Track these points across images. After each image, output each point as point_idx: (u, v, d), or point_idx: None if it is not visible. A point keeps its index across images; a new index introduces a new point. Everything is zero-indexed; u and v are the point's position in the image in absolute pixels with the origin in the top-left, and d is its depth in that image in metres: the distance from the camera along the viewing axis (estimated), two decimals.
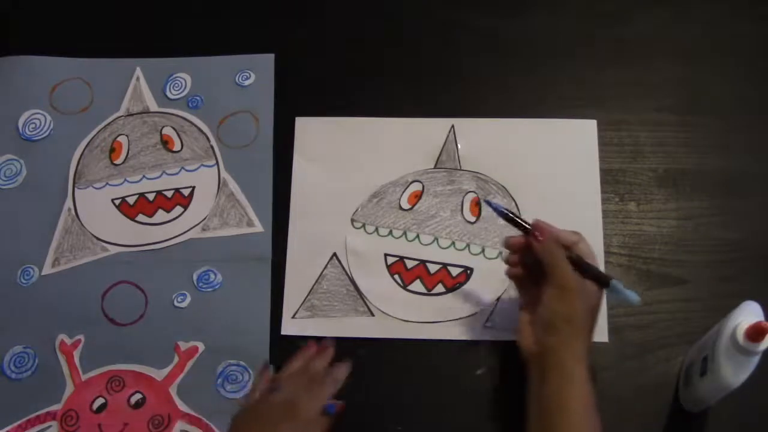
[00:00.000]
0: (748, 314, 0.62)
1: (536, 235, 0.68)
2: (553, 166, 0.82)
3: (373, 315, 0.78)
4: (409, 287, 0.79)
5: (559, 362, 0.65)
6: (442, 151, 0.84)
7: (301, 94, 0.87)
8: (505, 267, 0.73)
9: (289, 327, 0.78)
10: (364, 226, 0.82)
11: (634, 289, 0.65)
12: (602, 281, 0.66)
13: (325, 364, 0.74)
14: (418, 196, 0.82)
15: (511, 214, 0.70)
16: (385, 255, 0.81)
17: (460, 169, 0.83)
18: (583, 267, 0.67)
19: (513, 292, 0.77)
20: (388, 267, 0.80)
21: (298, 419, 0.69)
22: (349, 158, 0.84)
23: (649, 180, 0.82)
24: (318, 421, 0.70)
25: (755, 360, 0.61)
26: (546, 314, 0.66)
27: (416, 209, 0.82)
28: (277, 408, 0.69)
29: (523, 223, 0.69)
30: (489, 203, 0.72)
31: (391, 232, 0.81)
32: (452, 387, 0.75)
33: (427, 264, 0.80)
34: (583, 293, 0.66)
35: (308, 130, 0.85)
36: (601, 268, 0.77)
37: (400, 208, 0.82)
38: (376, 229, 0.81)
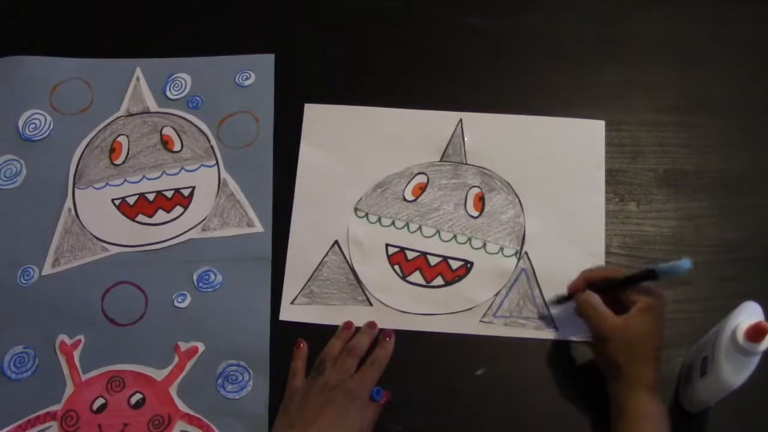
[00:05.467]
0: (748, 314, 0.62)
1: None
2: (558, 165, 0.82)
3: (371, 305, 0.79)
4: (409, 278, 0.79)
5: (615, 393, 0.69)
6: (448, 144, 0.84)
7: (303, 93, 0.87)
8: (505, 262, 0.77)
9: (288, 313, 0.78)
10: (367, 215, 0.82)
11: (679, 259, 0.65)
12: (649, 277, 0.68)
13: (368, 344, 0.75)
14: (422, 188, 0.83)
15: (559, 298, 0.76)
16: (387, 245, 0.81)
17: (466, 164, 0.83)
18: (621, 283, 0.70)
19: (511, 289, 0.78)
20: (389, 257, 0.80)
21: (355, 400, 0.70)
22: (356, 147, 0.84)
23: (649, 180, 0.82)
24: (371, 405, 0.71)
25: (755, 360, 0.61)
26: (600, 362, 0.71)
27: (420, 201, 0.82)
28: (330, 391, 0.70)
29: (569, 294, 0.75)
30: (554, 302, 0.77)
31: (393, 223, 0.81)
32: (451, 387, 0.75)
33: (428, 256, 0.80)
34: (629, 331, 0.68)
35: (316, 117, 0.86)
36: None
37: (404, 199, 0.82)
38: (379, 219, 0.82)
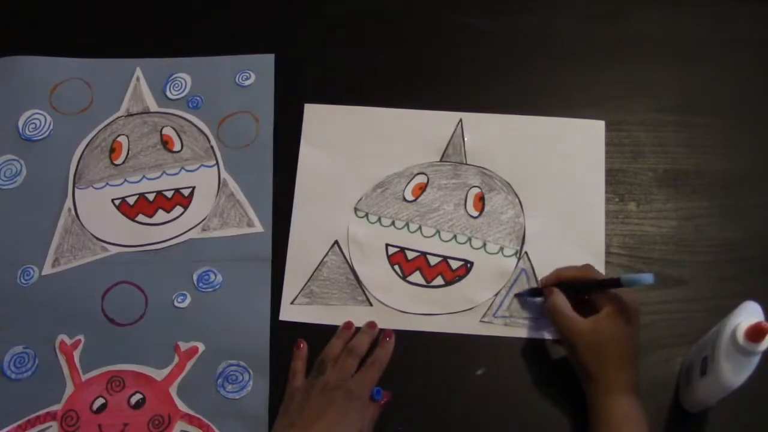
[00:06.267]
0: (748, 314, 0.62)
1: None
2: (558, 165, 0.82)
3: (371, 305, 0.79)
4: (409, 278, 0.79)
5: (590, 398, 0.68)
6: (448, 144, 0.84)
7: (303, 93, 0.87)
8: (505, 262, 0.77)
9: (288, 313, 0.78)
10: (366, 215, 0.82)
11: (643, 273, 0.66)
12: (614, 285, 0.68)
13: (368, 344, 0.75)
14: (422, 189, 0.83)
15: (531, 290, 0.77)
16: (387, 245, 0.81)
17: (466, 164, 0.83)
18: (587, 287, 0.71)
19: (512, 289, 0.78)
20: (389, 257, 0.80)
21: (355, 400, 0.69)
22: (356, 147, 0.84)
23: (649, 180, 0.82)
24: (371, 405, 0.71)
25: (755, 360, 0.61)
26: (572, 363, 0.71)
27: (420, 201, 0.82)
28: (331, 391, 0.70)
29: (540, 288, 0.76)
30: (518, 296, 0.78)
31: (393, 223, 0.81)
32: (451, 387, 0.75)
33: (428, 256, 0.80)
34: (596, 335, 0.68)
35: (316, 117, 0.86)
36: (602, 269, 0.78)
37: (404, 199, 0.82)
38: (379, 219, 0.82)
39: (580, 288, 0.72)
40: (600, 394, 0.67)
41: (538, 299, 0.76)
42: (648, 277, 0.65)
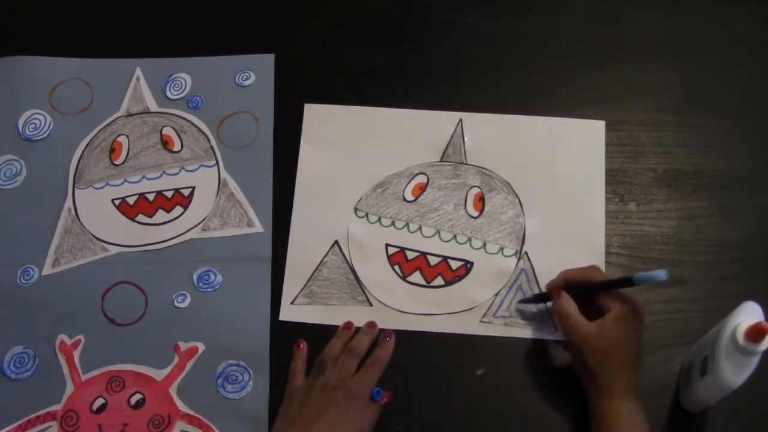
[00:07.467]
0: (748, 314, 0.62)
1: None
2: (558, 165, 0.82)
3: (371, 305, 0.79)
4: (409, 278, 0.79)
5: (592, 400, 0.68)
6: (448, 144, 0.84)
7: (303, 93, 0.87)
8: (505, 262, 0.78)
9: (288, 313, 0.79)
10: (366, 215, 0.82)
11: (656, 269, 0.65)
12: (626, 284, 0.67)
13: (368, 344, 0.75)
14: (422, 189, 0.83)
15: (536, 296, 0.77)
16: (387, 245, 0.81)
17: (466, 164, 0.83)
18: (596, 288, 0.70)
19: (511, 289, 0.78)
20: (389, 257, 0.80)
21: (355, 401, 0.69)
22: (356, 147, 0.84)
23: (649, 180, 0.82)
24: (371, 405, 0.71)
25: (755, 360, 0.61)
26: (575, 365, 0.71)
27: (420, 201, 0.82)
28: (331, 391, 0.70)
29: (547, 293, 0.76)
30: (523, 302, 0.77)
31: (393, 223, 0.81)
32: (451, 387, 0.75)
33: (428, 256, 0.80)
34: (602, 340, 0.67)
35: (316, 117, 0.86)
36: (602, 269, 0.78)
37: (404, 199, 0.82)
38: (379, 219, 0.82)
39: (591, 289, 0.71)
40: (603, 396, 0.67)
41: (546, 304, 0.76)
42: (662, 274, 0.64)
